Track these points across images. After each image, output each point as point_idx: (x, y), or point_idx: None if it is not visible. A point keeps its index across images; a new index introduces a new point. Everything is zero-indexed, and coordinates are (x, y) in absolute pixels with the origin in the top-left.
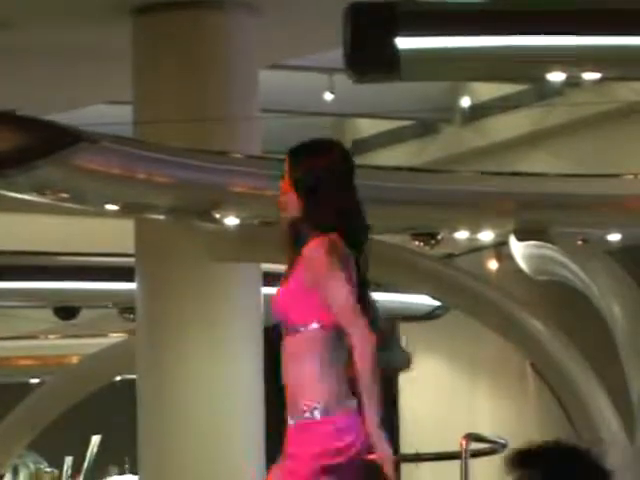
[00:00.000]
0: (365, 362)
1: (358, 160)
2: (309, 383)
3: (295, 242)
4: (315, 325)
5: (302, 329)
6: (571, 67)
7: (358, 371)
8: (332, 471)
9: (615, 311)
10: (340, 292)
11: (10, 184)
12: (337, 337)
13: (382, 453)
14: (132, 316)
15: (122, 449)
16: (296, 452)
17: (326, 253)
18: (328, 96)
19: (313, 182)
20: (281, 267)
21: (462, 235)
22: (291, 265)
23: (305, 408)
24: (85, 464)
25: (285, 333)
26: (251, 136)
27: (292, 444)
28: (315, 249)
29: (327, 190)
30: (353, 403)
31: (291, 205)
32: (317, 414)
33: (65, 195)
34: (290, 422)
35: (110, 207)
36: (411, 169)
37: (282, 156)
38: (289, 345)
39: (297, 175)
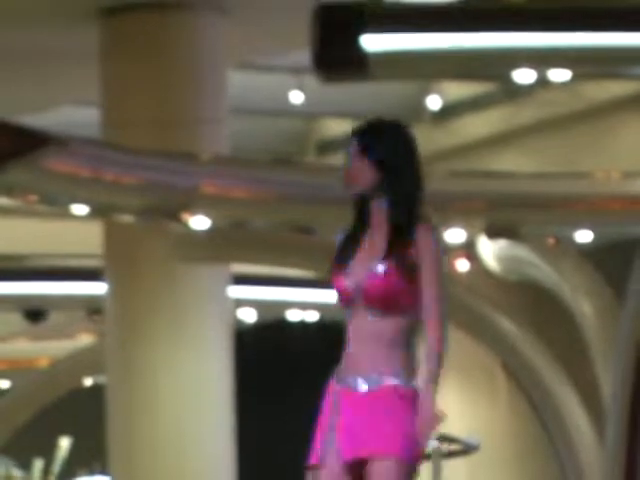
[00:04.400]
0: (440, 349)
1: (327, 160)
2: (394, 359)
3: (364, 216)
4: (409, 309)
5: (397, 314)
6: (540, 65)
7: (432, 359)
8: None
9: (586, 310)
10: (439, 289)
11: None
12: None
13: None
14: (100, 318)
15: (92, 451)
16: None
17: (437, 243)
18: (297, 96)
19: (393, 156)
20: (250, 268)
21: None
22: (359, 237)
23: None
24: (55, 466)
25: (373, 314)
26: (219, 137)
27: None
28: (429, 238)
29: (403, 163)
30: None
31: (364, 179)
32: (407, 384)
33: (34, 197)
34: (362, 388)
35: (79, 209)
36: None
37: (251, 157)
38: (379, 324)
39: (375, 150)
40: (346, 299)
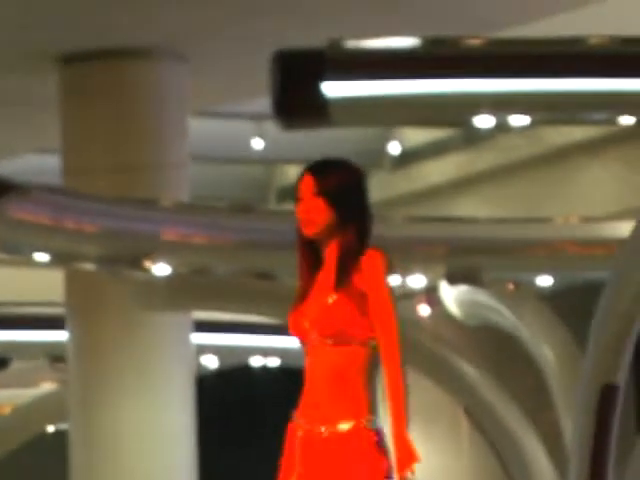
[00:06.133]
0: (399, 385)
1: (288, 207)
2: (354, 396)
3: (315, 256)
4: (366, 340)
5: (352, 343)
6: (500, 111)
7: (389, 389)
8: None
9: (547, 355)
10: (391, 318)
11: None
12: (374, 354)
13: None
14: (62, 366)
15: None
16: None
17: (384, 270)
18: (257, 143)
19: (347, 194)
20: (212, 315)
21: (393, 280)
22: (311, 277)
23: (359, 419)
24: None
25: (322, 344)
26: (180, 184)
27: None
28: (375, 264)
29: (357, 200)
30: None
31: (321, 219)
32: (371, 425)
33: None
34: (322, 431)
35: (40, 257)
36: None
37: (212, 204)
38: (335, 357)
39: (330, 188)
40: (301, 336)
